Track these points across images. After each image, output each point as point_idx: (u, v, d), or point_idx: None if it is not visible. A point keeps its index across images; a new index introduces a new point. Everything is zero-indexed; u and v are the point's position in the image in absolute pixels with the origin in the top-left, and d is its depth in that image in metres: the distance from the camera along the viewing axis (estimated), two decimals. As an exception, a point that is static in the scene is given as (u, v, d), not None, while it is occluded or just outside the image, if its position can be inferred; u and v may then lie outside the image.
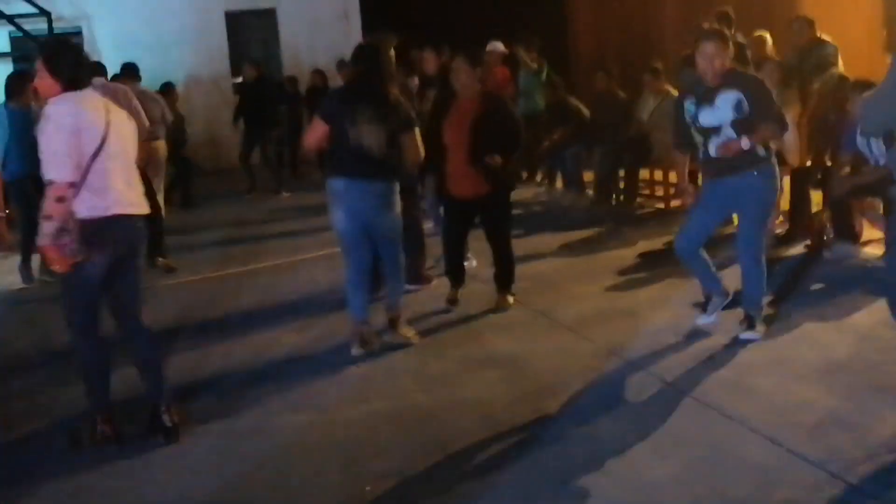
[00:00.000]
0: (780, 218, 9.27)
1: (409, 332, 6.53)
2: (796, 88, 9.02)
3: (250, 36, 20.62)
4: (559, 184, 12.85)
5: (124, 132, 4.98)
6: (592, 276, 8.03)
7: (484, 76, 7.15)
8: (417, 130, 6.25)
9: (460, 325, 6.93)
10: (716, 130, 5.78)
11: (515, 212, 11.57)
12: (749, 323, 6.06)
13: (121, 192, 4.87)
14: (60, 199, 4.58)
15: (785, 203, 9.16)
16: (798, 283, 7.29)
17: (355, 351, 6.31)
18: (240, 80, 16.39)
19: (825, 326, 6.24)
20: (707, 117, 5.82)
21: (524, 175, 14.08)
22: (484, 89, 7.12)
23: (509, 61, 14.40)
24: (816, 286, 7.29)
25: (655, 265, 8.29)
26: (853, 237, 7.88)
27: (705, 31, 5.84)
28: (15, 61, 17.45)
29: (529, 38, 14.12)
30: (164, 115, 10.91)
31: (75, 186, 4.64)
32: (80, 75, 4.85)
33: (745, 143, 5.72)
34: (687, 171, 6.42)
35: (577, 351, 6.08)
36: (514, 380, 5.61)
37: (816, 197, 8.61)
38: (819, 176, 8.49)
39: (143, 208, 5.06)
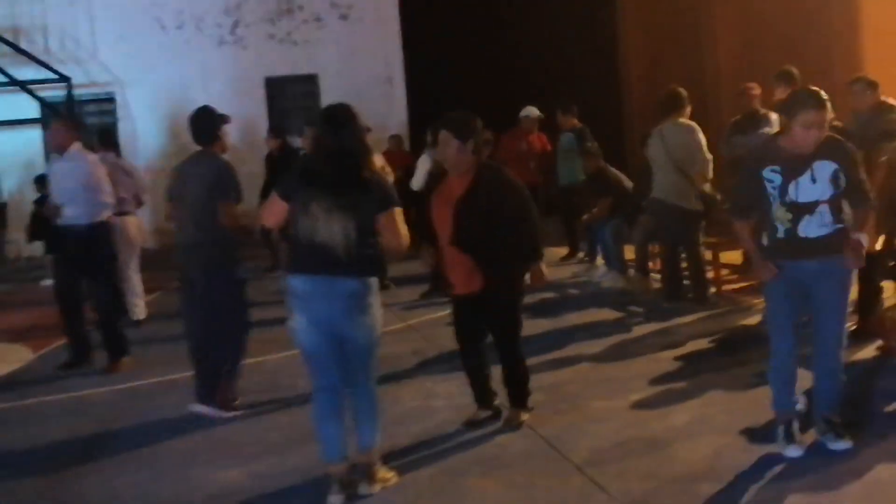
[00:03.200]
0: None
1: (387, 476, 5.22)
2: (861, 160, 7.73)
3: (291, 103, 19.90)
4: (599, 262, 11.61)
5: None
6: (620, 387, 6.71)
7: (478, 148, 5.87)
8: (399, 211, 5.03)
9: (444, 459, 5.60)
10: (810, 208, 4.89)
11: (551, 294, 10.72)
12: (835, 430, 5.12)
13: None
14: None
15: (852, 294, 7.84)
16: (870, 402, 5.92)
17: (334, 500, 5.00)
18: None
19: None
20: (804, 191, 4.88)
21: (566, 252, 12.92)
22: (480, 161, 5.86)
23: (548, 127, 13.34)
24: (894, 406, 5.92)
25: (696, 371, 6.98)
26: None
27: (811, 96, 4.86)
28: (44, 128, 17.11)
29: (567, 102, 12.97)
30: (136, 191, 10.18)
31: None
32: None
33: (863, 238, 5.03)
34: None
35: (583, 506, 4.77)
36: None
37: (889, 288, 7.24)
38: (892, 263, 7.11)
39: None
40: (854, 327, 7.35)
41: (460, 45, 22.23)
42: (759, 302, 8.93)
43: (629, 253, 10.80)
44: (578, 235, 12.54)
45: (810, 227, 4.89)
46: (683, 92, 9.60)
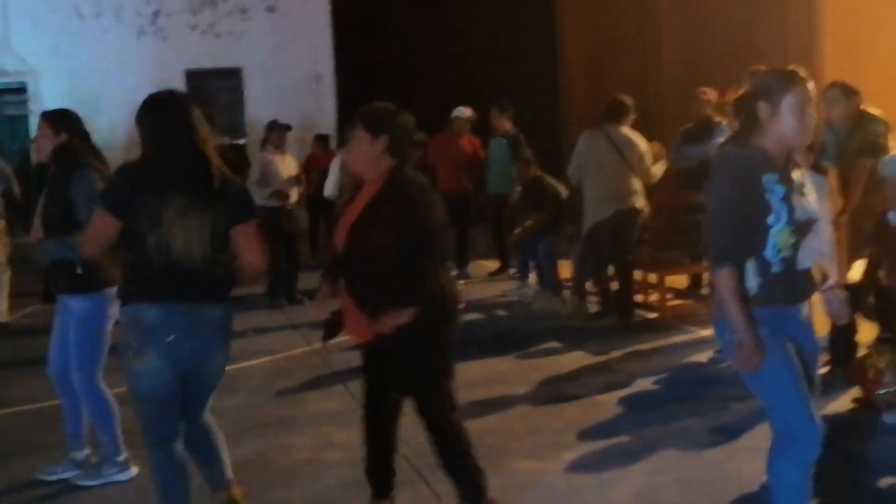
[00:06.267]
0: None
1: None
2: (836, 175, 6.77)
3: (213, 98, 18.70)
4: (532, 280, 10.54)
5: None
6: (552, 440, 5.62)
7: (396, 147, 4.45)
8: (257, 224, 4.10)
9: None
10: (811, 226, 3.66)
11: (476, 317, 9.62)
12: None
13: None
14: None
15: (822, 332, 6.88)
16: (849, 469, 4.90)
17: None
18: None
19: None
20: (812, 204, 3.67)
21: (497, 267, 11.88)
22: (396, 166, 4.36)
23: (481, 131, 12.26)
24: (885, 480, 4.88)
25: (641, 421, 5.90)
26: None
27: (794, 70, 3.68)
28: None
29: (503, 102, 11.88)
30: None
31: None
32: None
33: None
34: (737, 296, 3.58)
35: None
36: None
37: (867, 331, 6.23)
38: (871, 299, 6.10)
39: None
40: (825, 371, 6.40)
41: (394, 41, 21.10)
42: (708, 334, 7.95)
43: (565, 271, 9.79)
44: (510, 249, 11.47)
45: (807, 254, 3.66)
46: (629, 101, 8.89)
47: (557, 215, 9.88)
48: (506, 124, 11.73)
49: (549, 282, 9.92)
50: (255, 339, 8.78)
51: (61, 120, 5.39)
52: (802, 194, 3.62)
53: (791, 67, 3.66)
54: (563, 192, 10.00)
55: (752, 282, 3.59)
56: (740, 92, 3.99)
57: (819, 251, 3.74)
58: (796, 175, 3.66)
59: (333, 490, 5.07)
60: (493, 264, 12.00)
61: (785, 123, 3.57)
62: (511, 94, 13.54)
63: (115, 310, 4.87)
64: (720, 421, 5.73)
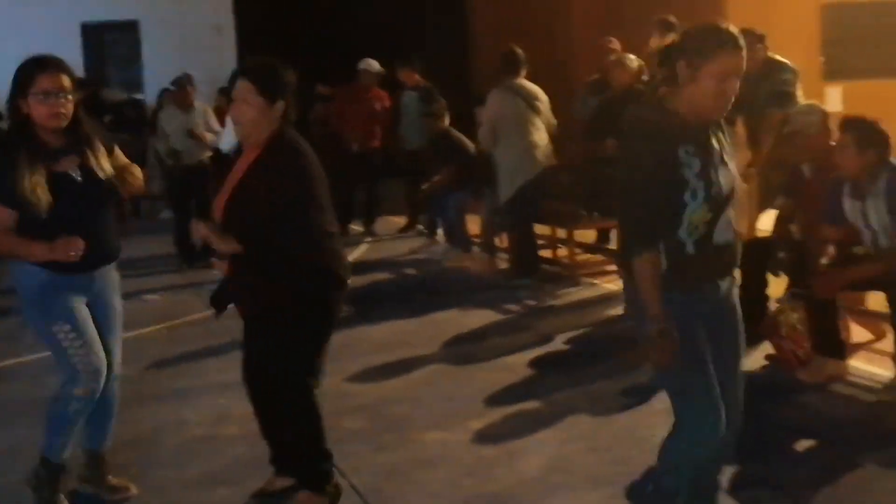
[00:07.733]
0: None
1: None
2: (744, 125, 6.60)
3: (109, 51, 18.08)
4: (440, 236, 10.29)
5: None
6: (459, 408, 5.38)
7: (287, 110, 4.23)
8: None
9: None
10: (728, 200, 3.29)
11: (384, 276, 9.37)
12: None
13: None
14: None
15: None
16: (766, 433, 4.74)
17: None
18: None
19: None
20: (727, 177, 3.28)
21: (405, 223, 11.58)
22: (276, 133, 4.00)
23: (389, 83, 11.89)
24: (802, 443, 4.76)
25: (552, 385, 5.70)
26: (838, 350, 5.40)
27: (727, 32, 3.18)
28: None
29: (407, 56, 11.54)
30: None
31: None
32: None
33: None
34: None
35: None
36: None
37: (778, 286, 6.10)
38: (782, 254, 5.96)
39: None
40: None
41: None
42: (616, 289, 7.80)
43: (474, 227, 9.58)
44: (420, 205, 11.18)
45: (723, 229, 3.29)
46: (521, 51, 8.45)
47: (465, 171, 9.62)
48: (414, 77, 11.42)
49: (459, 238, 9.70)
50: (153, 305, 8.43)
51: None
52: (724, 164, 3.28)
53: (729, 28, 3.20)
54: (472, 147, 9.71)
55: (664, 262, 3.24)
56: (667, 41, 3.69)
57: (731, 222, 3.33)
58: (717, 141, 3.29)
59: (229, 469, 4.77)
60: (401, 221, 11.73)
61: (701, 91, 3.18)
62: (419, 45, 13.24)
63: None
64: (632, 381, 5.55)
